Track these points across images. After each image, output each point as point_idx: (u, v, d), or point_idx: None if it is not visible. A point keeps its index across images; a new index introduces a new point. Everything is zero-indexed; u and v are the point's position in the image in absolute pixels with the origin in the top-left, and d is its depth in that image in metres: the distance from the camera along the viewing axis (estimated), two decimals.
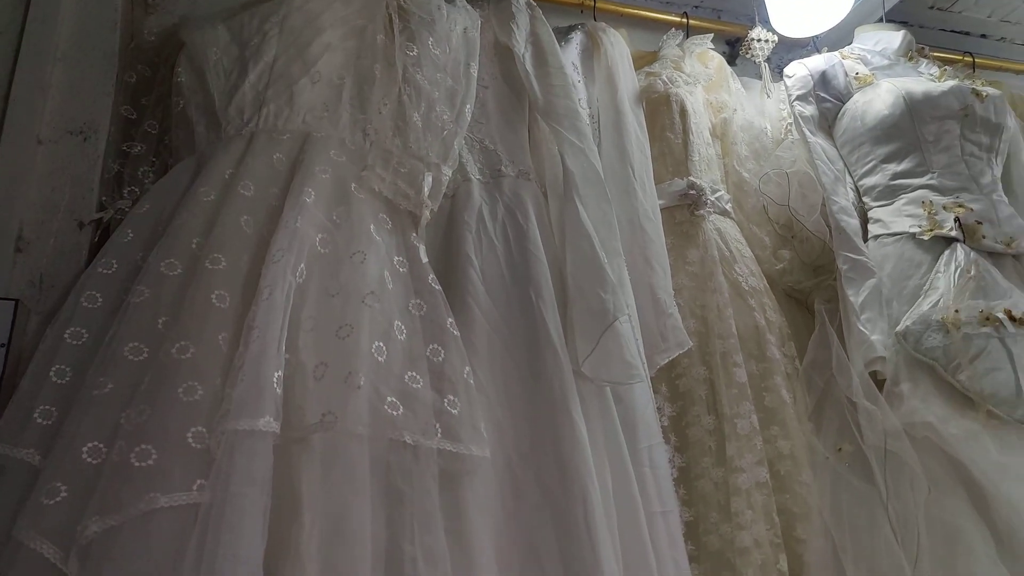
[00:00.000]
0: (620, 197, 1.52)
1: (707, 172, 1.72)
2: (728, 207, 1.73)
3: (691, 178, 1.68)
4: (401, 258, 1.17)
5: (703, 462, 1.44)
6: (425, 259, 1.19)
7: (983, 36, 2.43)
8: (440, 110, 1.32)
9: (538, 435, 1.10)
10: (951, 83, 1.65)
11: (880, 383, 1.42)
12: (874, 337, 1.43)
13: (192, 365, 0.90)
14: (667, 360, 1.43)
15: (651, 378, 1.45)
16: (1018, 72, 2.36)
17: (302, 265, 1.04)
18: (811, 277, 1.71)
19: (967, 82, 1.69)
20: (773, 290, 1.68)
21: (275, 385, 0.89)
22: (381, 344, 1.02)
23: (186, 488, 0.83)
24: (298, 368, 0.96)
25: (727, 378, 1.48)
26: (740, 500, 1.37)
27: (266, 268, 1.00)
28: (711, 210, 1.68)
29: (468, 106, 1.35)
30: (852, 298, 1.48)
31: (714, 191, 1.70)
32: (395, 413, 0.97)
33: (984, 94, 1.63)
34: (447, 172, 1.28)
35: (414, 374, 1.03)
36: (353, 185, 1.19)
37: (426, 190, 1.23)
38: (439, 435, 1.00)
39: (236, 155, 1.17)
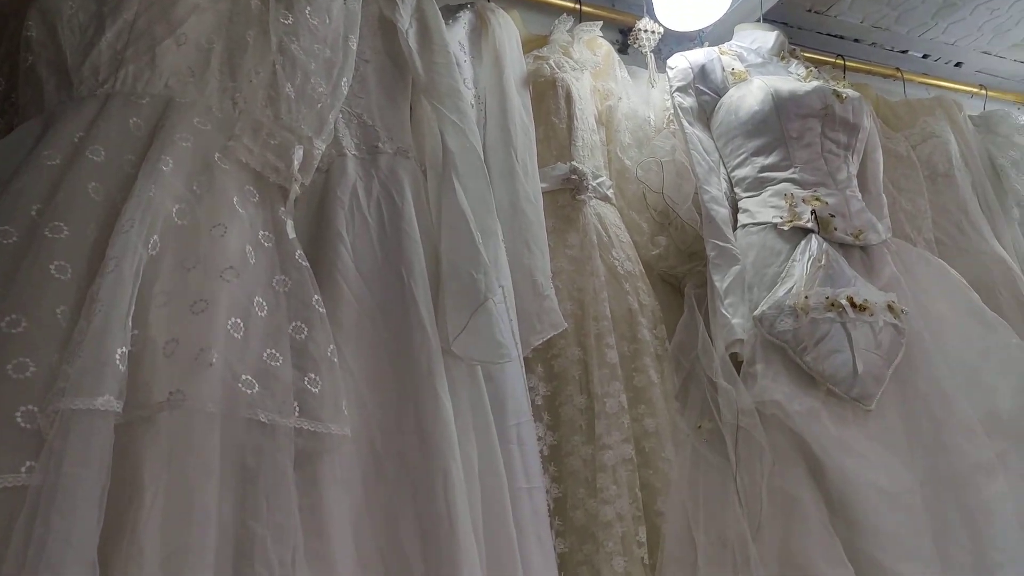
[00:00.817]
0: (502, 179, 1.53)
1: (590, 158, 1.76)
2: (609, 193, 1.78)
3: (574, 163, 1.71)
4: (267, 232, 1.14)
5: (573, 440, 1.49)
6: (292, 234, 1.16)
7: (856, 40, 2.58)
8: (316, 82, 1.29)
9: (402, 413, 1.11)
10: (815, 83, 1.75)
11: (739, 364, 1.50)
12: (735, 320, 1.51)
13: (24, 340, 0.85)
14: (542, 341, 1.46)
15: (527, 359, 1.49)
16: (885, 76, 2.52)
17: (155, 237, 0.99)
18: (685, 263, 1.78)
19: (830, 83, 1.79)
20: (649, 275, 1.75)
21: (118, 362, 0.85)
22: (239, 320, 1.00)
23: (13, 470, 0.79)
24: (147, 344, 0.93)
25: (600, 359, 1.53)
26: (606, 476, 1.43)
27: (114, 238, 0.95)
28: (592, 195, 1.72)
29: (345, 79, 1.32)
30: (717, 283, 1.56)
31: (596, 177, 1.74)
32: (250, 391, 0.95)
33: (844, 95, 1.73)
34: (320, 146, 1.25)
35: (274, 351, 1.02)
36: (217, 155, 1.15)
37: (296, 163, 1.20)
38: (297, 413, 0.98)
39: (88, 117, 1.10)
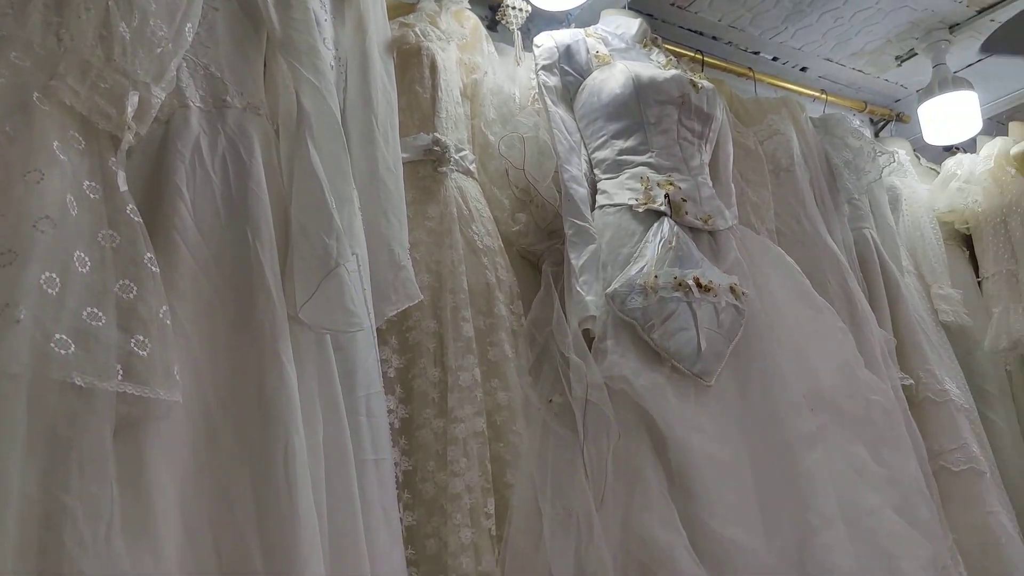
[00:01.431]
0: (361, 145, 1.48)
1: (453, 130, 1.74)
2: (472, 167, 1.77)
3: (437, 134, 1.69)
4: (94, 183, 1.04)
5: (425, 413, 1.48)
6: (124, 187, 1.07)
7: (713, 38, 2.71)
8: (155, 24, 1.19)
9: (242, 380, 1.06)
10: (673, 72, 1.81)
11: (591, 341, 1.54)
12: (588, 298, 1.54)
13: None
14: (397, 312, 1.44)
15: (380, 330, 1.45)
16: (738, 75, 2.66)
17: None
18: (544, 240, 1.80)
19: (688, 73, 1.87)
20: (509, 251, 1.76)
21: None
22: (54, 275, 0.91)
23: None
24: None
25: (455, 332, 1.52)
26: (456, 449, 1.43)
27: None
28: (454, 168, 1.70)
29: (189, 25, 1.23)
30: (573, 261, 1.59)
31: (459, 150, 1.73)
32: (64, 352, 0.87)
33: (700, 85, 1.81)
34: (159, 94, 1.16)
35: (95, 310, 0.93)
36: (36, 95, 1.03)
37: (130, 111, 1.11)
38: (120, 377, 0.91)
39: None
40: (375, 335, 1.35)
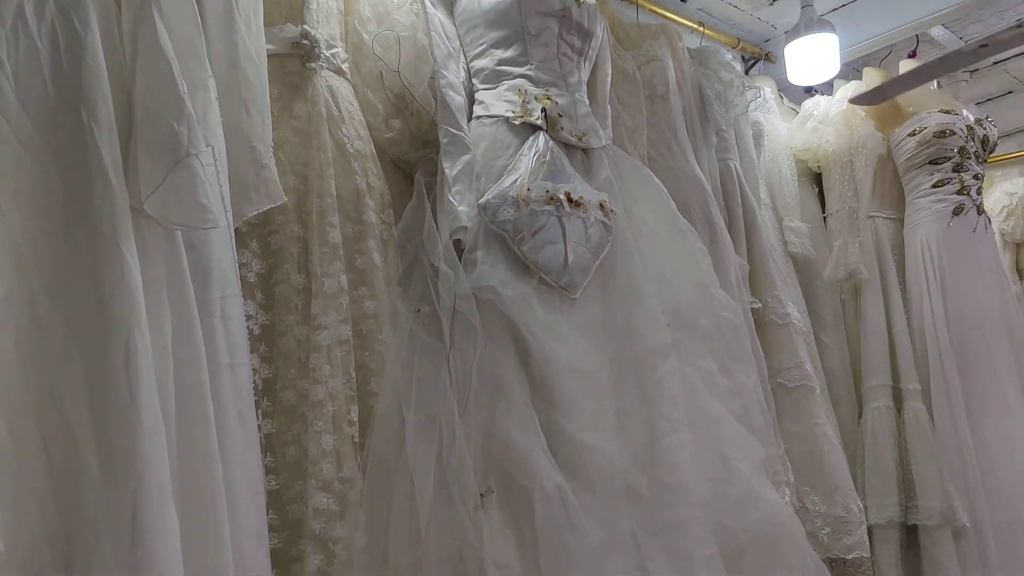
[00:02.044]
0: (218, 29, 1.35)
1: (325, 24, 1.63)
2: (344, 67, 1.67)
3: (306, 27, 1.58)
4: None
5: (288, 320, 1.42)
6: None
7: None
8: None
9: (75, 271, 0.97)
10: None
11: (461, 251, 1.53)
12: (461, 208, 1.52)
13: None
14: (256, 212, 1.36)
15: (239, 231, 1.38)
16: None
17: None
18: (418, 149, 1.75)
19: None
20: (381, 158, 1.69)
21: None
22: None
23: None
24: None
25: (321, 238, 1.46)
26: (320, 356, 1.39)
27: None
28: (325, 65, 1.60)
29: None
30: (447, 170, 1.56)
31: (330, 46, 1.62)
32: None
33: (582, 1, 1.78)
34: None
35: None
36: None
37: None
38: None
39: None
40: (233, 235, 1.27)
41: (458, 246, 1.53)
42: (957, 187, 2.65)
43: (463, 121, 1.63)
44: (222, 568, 1.07)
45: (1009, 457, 2.33)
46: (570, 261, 1.50)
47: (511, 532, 1.32)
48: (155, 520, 0.93)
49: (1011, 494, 2.28)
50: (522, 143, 1.62)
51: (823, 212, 2.88)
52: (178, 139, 1.09)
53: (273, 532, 1.33)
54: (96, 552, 0.91)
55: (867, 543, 2.17)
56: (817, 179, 2.99)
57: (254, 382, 1.33)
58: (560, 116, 1.66)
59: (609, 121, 1.93)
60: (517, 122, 1.64)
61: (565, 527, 1.28)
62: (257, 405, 1.33)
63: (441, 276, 1.46)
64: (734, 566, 1.43)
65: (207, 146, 1.17)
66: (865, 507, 2.29)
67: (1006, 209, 3.63)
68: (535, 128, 1.64)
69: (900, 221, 2.74)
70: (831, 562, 2.17)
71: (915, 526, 2.30)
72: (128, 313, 0.99)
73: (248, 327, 1.34)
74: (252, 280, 1.41)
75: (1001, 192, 3.74)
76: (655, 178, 1.89)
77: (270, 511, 1.32)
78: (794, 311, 2.36)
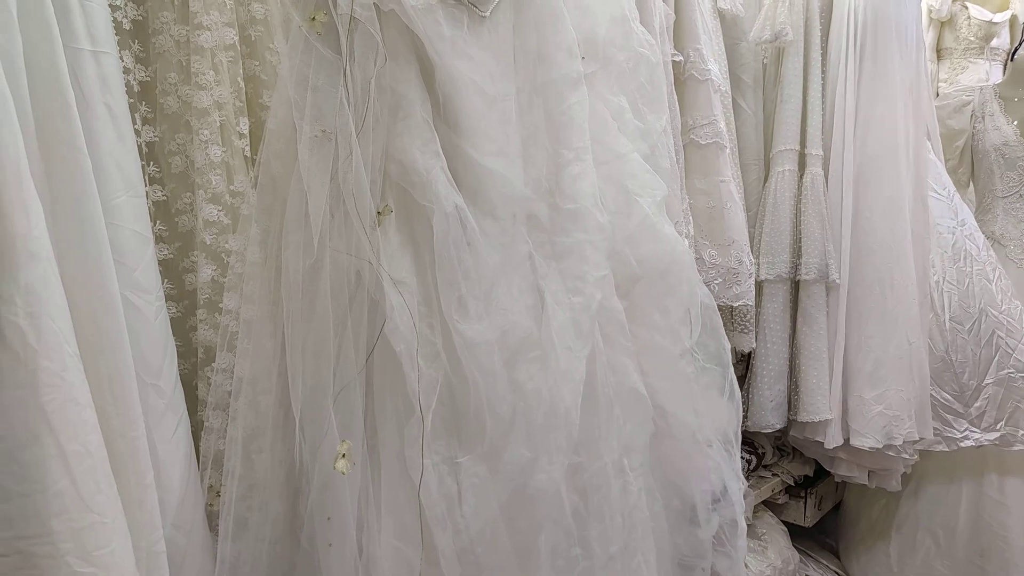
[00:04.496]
0: None
1: None
2: None
3: None
4: None
5: (163, 16, 1.28)
6: None
7: None
8: None
9: None
10: None
11: None
12: None
13: None
14: None
15: None
16: None
17: None
18: None
19: None
20: None
21: None
22: None
23: None
24: None
25: None
26: (202, 60, 1.28)
27: None
28: None
29: None
30: None
31: None
32: None
33: None
34: None
35: None
36: None
37: None
38: None
39: None
40: None
41: None
42: None
43: None
44: (100, 264, 1.03)
45: (890, 224, 2.47)
46: None
47: (408, 250, 1.32)
48: (11, 194, 0.87)
49: (885, 257, 2.45)
50: None
51: None
52: None
53: (163, 243, 1.30)
54: None
55: (753, 293, 2.32)
56: None
57: (127, 83, 1.22)
58: None
59: None
60: None
61: (462, 246, 1.29)
62: (134, 109, 1.23)
63: None
64: (626, 294, 1.50)
65: None
66: (759, 264, 2.44)
67: None
68: None
69: None
70: (719, 310, 2.33)
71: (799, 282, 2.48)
72: None
73: (115, 19, 1.20)
74: None
75: None
76: None
77: (157, 221, 1.27)
78: (715, 68, 2.31)
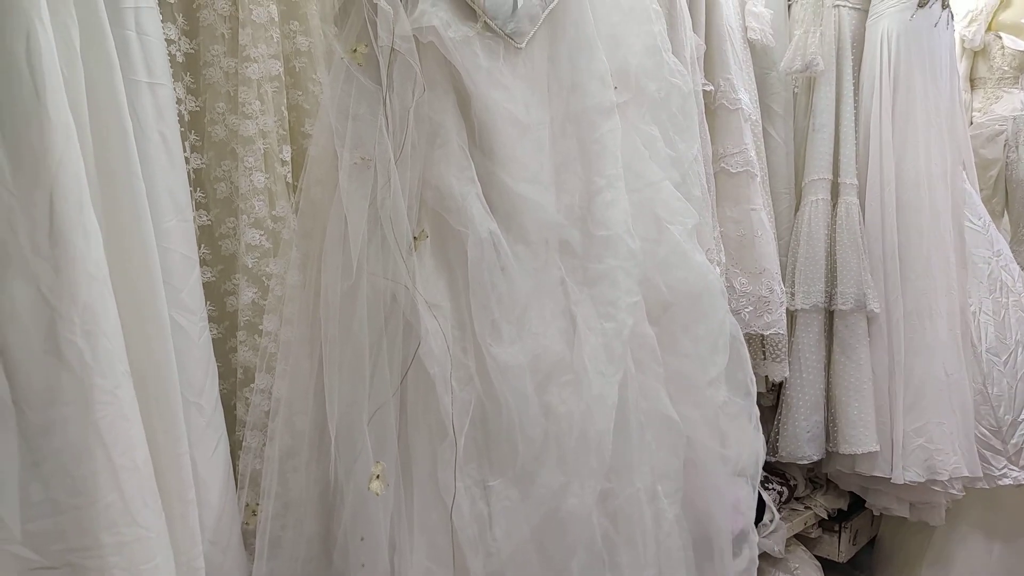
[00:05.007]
0: None
1: None
2: None
3: None
4: None
5: (214, 49, 1.34)
6: None
7: None
8: None
9: None
10: None
11: None
12: None
13: None
14: None
15: None
16: None
17: None
18: None
19: None
20: None
21: None
22: None
23: None
24: None
25: None
26: (249, 91, 1.33)
27: None
28: None
29: None
30: None
31: None
32: None
33: None
34: None
35: None
36: None
37: None
38: None
39: None
40: None
41: None
42: None
43: None
44: (151, 285, 1.08)
45: (927, 253, 2.45)
46: (518, 7, 1.42)
47: (443, 275, 1.34)
48: (73, 218, 0.91)
49: (923, 287, 2.42)
50: None
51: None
52: None
53: (206, 266, 1.34)
54: (15, 248, 0.89)
55: (784, 322, 2.31)
56: None
57: (179, 113, 1.27)
58: None
59: None
60: None
61: (496, 271, 1.31)
62: (184, 137, 1.28)
63: (380, 14, 1.37)
64: (656, 320, 1.51)
65: None
66: (794, 293, 2.43)
67: (971, 14, 3.54)
68: None
69: (865, 12, 2.65)
70: (750, 338, 2.33)
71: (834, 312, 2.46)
72: (27, 3, 0.90)
73: (170, 52, 1.26)
74: (172, 2, 1.30)
75: None
76: None
77: (202, 245, 1.32)
78: (745, 97, 2.33)
